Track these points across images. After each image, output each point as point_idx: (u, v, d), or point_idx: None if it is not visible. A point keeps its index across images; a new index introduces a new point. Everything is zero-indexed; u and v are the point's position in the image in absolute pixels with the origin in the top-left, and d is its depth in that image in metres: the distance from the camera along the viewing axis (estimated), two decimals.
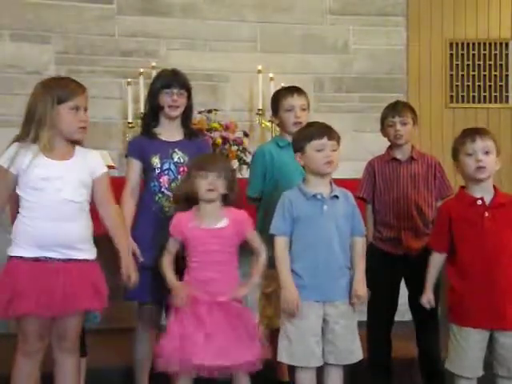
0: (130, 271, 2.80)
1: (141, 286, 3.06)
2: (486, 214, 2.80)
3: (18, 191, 2.66)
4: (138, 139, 3.27)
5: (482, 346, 2.81)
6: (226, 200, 2.91)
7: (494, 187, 2.88)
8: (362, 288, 2.84)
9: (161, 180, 3.12)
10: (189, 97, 3.22)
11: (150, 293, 3.07)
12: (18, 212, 2.67)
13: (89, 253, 2.72)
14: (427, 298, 2.97)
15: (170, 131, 3.20)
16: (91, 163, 2.76)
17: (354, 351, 2.85)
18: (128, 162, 3.22)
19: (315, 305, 2.80)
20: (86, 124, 2.73)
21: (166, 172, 3.13)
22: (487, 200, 2.83)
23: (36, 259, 2.60)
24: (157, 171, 3.12)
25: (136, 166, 3.17)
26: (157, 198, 3.12)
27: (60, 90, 2.67)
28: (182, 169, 3.13)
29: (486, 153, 2.82)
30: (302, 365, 2.81)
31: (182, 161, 3.15)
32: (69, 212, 2.65)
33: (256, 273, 2.91)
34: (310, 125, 2.98)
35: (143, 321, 3.18)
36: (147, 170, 3.15)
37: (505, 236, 2.80)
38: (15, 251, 2.63)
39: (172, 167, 3.13)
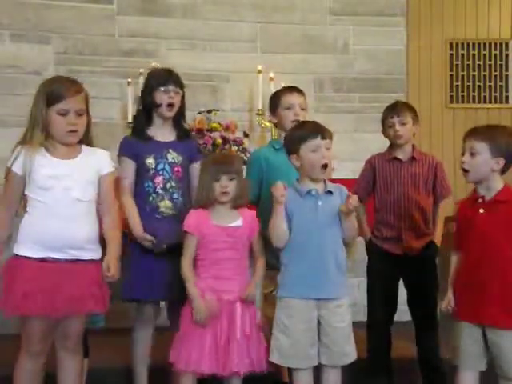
0: (111, 264, 2.62)
1: (139, 285, 3.06)
2: (481, 211, 2.77)
3: (26, 192, 2.61)
4: (130, 139, 3.20)
5: (475, 340, 2.78)
6: (236, 202, 2.89)
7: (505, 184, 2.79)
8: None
9: (155, 180, 3.09)
10: (183, 97, 3.18)
11: (149, 292, 3.05)
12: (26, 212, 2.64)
13: (95, 253, 2.68)
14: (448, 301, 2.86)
15: (163, 131, 3.16)
16: (98, 161, 2.72)
17: (348, 353, 2.83)
18: (121, 162, 3.15)
19: (309, 305, 2.78)
20: (75, 127, 2.63)
21: (161, 172, 3.09)
22: (488, 198, 2.78)
23: (42, 260, 2.57)
24: (151, 172, 3.09)
25: (131, 165, 3.11)
26: (150, 199, 3.08)
27: (50, 91, 2.62)
28: (176, 169, 3.11)
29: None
30: (292, 366, 2.81)
31: (176, 161, 3.12)
32: (77, 211, 2.62)
33: (257, 277, 2.93)
34: (301, 125, 2.96)
35: (141, 320, 3.16)
36: (140, 170, 3.11)
37: (498, 234, 2.75)
38: (22, 251, 2.59)
39: (166, 167, 3.10)
